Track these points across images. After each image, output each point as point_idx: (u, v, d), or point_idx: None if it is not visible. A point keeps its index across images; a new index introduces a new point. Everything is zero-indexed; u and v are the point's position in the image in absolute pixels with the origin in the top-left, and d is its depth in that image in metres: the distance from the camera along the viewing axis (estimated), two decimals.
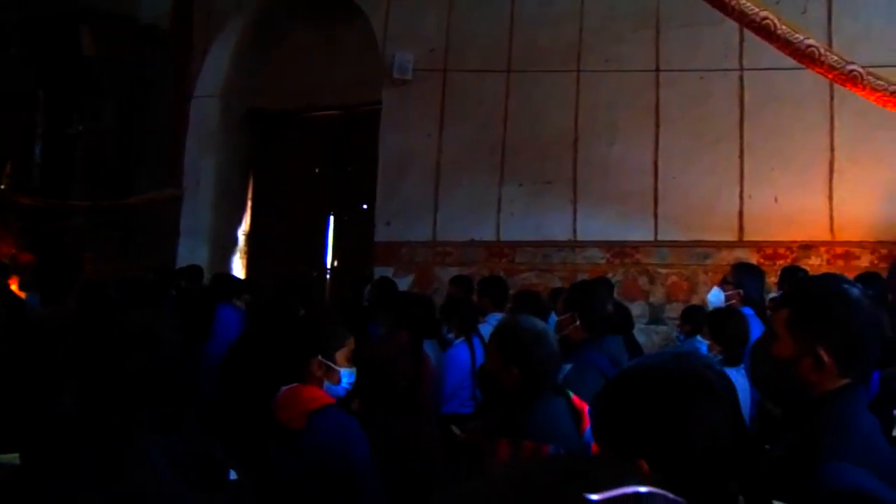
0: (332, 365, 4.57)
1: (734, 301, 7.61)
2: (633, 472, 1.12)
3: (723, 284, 7.93)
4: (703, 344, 6.83)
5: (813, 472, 2.43)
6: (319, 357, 4.54)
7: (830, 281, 3.16)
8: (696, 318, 8.48)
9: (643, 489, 1.07)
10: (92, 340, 3.65)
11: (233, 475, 3.78)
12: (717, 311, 7.23)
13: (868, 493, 2.32)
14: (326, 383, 4.57)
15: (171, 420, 3.43)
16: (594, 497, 1.01)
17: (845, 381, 2.74)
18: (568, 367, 5.06)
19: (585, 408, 4.25)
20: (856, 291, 2.84)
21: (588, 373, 5.04)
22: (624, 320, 8.48)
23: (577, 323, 5.60)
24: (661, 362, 2.39)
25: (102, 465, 3.11)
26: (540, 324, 4.49)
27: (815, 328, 2.77)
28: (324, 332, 4.77)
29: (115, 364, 3.37)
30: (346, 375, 4.64)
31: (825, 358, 2.71)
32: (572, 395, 4.36)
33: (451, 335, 8.15)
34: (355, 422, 4.49)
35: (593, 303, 5.80)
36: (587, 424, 4.17)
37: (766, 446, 3.08)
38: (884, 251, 10.09)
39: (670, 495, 1.10)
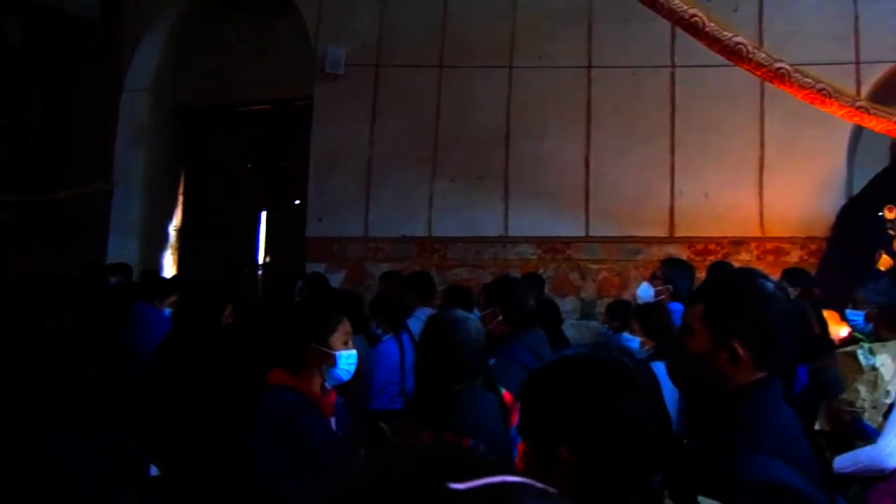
0: (327, 350, 4.69)
1: (664, 297, 7.55)
2: (503, 464, 1.08)
3: (652, 280, 7.89)
4: (632, 340, 6.78)
5: (731, 464, 2.45)
6: (314, 344, 4.68)
7: (745, 276, 3.40)
8: (622, 313, 8.42)
9: (511, 479, 1.01)
10: (4, 338, 3.58)
11: (154, 471, 3.76)
12: (644, 305, 7.26)
13: (787, 484, 2.38)
14: (327, 368, 4.72)
15: (86, 418, 3.40)
16: (458, 486, 0.97)
17: (761, 374, 2.78)
18: (491, 361, 4.95)
19: (517, 404, 3.96)
20: (770, 286, 2.93)
21: (511, 367, 5.08)
22: (552, 315, 8.56)
23: (500, 318, 5.61)
24: (585, 353, 2.42)
25: (8, 462, 3.09)
26: (461, 314, 4.52)
27: (729, 322, 2.80)
28: (315, 319, 4.89)
29: (25, 361, 3.35)
30: (345, 358, 4.77)
31: (740, 351, 2.75)
32: (503, 390, 4.38)
33: (379, 331, 8.14)
34: (292, 406, 4.55)
35: (515, 297, 5.86)
36: (515, 420, 3.96)
37: (684, 440, 3.08)
38: (813, 247, 10.15)
39: (538, 485, 1.03)
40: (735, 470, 2.43)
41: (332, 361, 4.72)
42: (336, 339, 4.76)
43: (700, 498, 2.23)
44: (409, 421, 5.45)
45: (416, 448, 1.22)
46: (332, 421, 4.79)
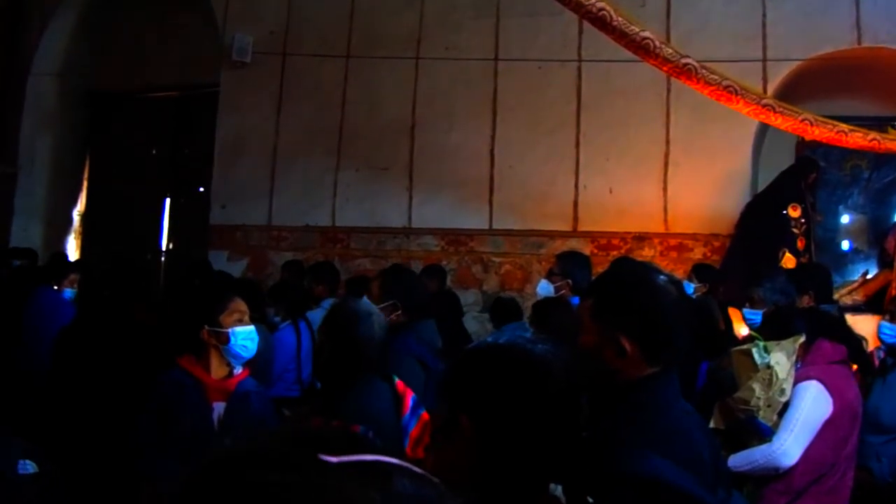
0: (219, 329, 4.61)
1: (564, 291, 6.98)
2: (385, 448, 1.03)
3: (550, 276, 7.34)
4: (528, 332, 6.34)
5: (612, 458, 2.39)
6: (206, 326, 4.60)
7: (635, 269, 3.25)
8: (505, 312, 8.15)
9: (388, 459, 0.98)
10: None
11: (29, 468, 3.41)
12: (544, 301, 6.70)
13: (663, 479, 2.29)
14: (224, 347, 4.62)
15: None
16: (330, 458, 0.94)
17: (652, 369, 2.68)
18: None
19: (409, 393, 4.28)
20: (661, 279, 2.80)
21: (405, 359, 4.91)
22: (453, 307, 8.53)
23: (399, 311, 5.28)
24: (513, 341, 2.28)
25: None
26: (365, 306, 4.42)
27: (616, 316, 2.71)
28: (204, 301, 4.92)
29: None
30: (240, 334, 4.65)
31: (627, 346, 2.65)
32: (397, 380, 4.31)
33: (277, 318, 7.80)
34: (171, 386, 4.54)
35: (414, 289, 5.59)
36: (407, 409, 4.22)
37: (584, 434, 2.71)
38: (717, 244, 9.86)
39: (416, 469, 0.99)
40: (617, 464, 2.36)
41: (226, 339, 4.60)
42: (227, 317, 4.65)
43: (590, 499, 2.17)
44: (307, 409, 5.42)
45: (297, 426, 1.19)
46: (219, 407, 4.59)
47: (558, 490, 2.17)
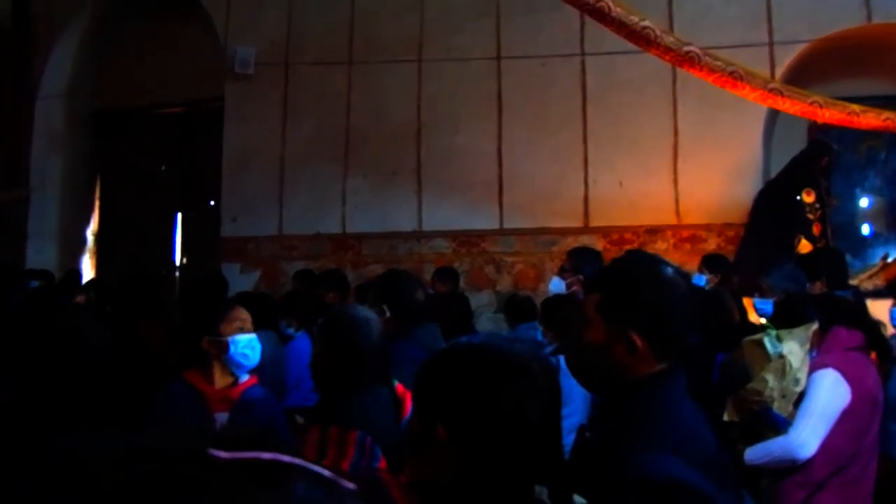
0: (219, 338, 4.48)
1: (576, 287, 6.86)
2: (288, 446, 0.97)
3: (562, 273, 7.30)
4: (536, 331, 6.59)
5: (624, 460, 2.28)
6: (207, 336, 4.49)
7: (641, 261, 2.99)
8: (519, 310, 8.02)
9: (286, 458, 0.92)
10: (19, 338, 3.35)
11: None
12: (552, 298, 6.75)
13: (681, 481, 2.19)
14: (228, 357, 4.49)
15: (107, 415, 3.28)
16: (220, 454, 0.90)
17: (661, 365, 2.54)
18: None
19: (408, 396, 4.03)
20: (669, 271, 2.66)
21: (405, 366, 4.40)
22: (462, 309, 8.37)
23: (388, 315, 5.03)
24: (489, 342, 2.20)
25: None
26: (364, 313, 4.35)
27: (625, 311, 2.56)
28: (204, 311, 4.81)
29: (44, 362, 3.15)
30: (240, 342, 4.52)
31: (638, 342, 2.50)
32: (396, 383, 4.23)
33: (290, 330, 7.63)
34: (168, 397, 4.42)
35: (403, 294, 5.32)
36: (407, 413, 4.05)
37: (587, 433, 2.73)
38: (730, 233, 9.68)
39: (315, 469, 0.94)
40: (630, 466, 2.24)
41: (225, 348, 4.46)
42: (227, 326, 4.52)
43: (576, 497, 2.16)
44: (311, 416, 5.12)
45: (192, 427, 0.98)
46: (222, 416, 4.46)
47: (544, 493, 2.12)
